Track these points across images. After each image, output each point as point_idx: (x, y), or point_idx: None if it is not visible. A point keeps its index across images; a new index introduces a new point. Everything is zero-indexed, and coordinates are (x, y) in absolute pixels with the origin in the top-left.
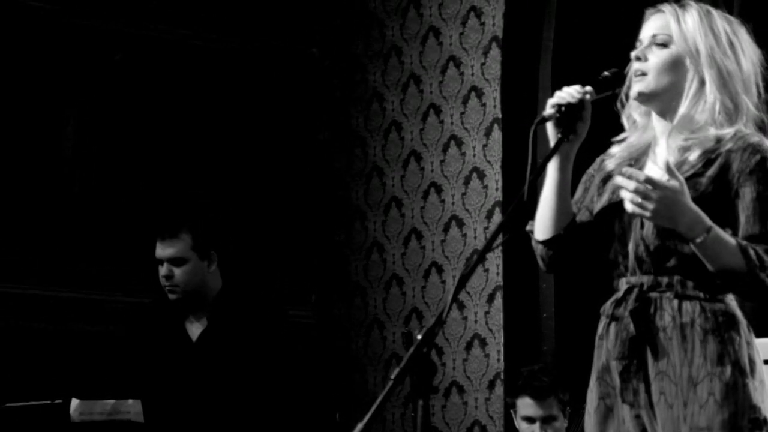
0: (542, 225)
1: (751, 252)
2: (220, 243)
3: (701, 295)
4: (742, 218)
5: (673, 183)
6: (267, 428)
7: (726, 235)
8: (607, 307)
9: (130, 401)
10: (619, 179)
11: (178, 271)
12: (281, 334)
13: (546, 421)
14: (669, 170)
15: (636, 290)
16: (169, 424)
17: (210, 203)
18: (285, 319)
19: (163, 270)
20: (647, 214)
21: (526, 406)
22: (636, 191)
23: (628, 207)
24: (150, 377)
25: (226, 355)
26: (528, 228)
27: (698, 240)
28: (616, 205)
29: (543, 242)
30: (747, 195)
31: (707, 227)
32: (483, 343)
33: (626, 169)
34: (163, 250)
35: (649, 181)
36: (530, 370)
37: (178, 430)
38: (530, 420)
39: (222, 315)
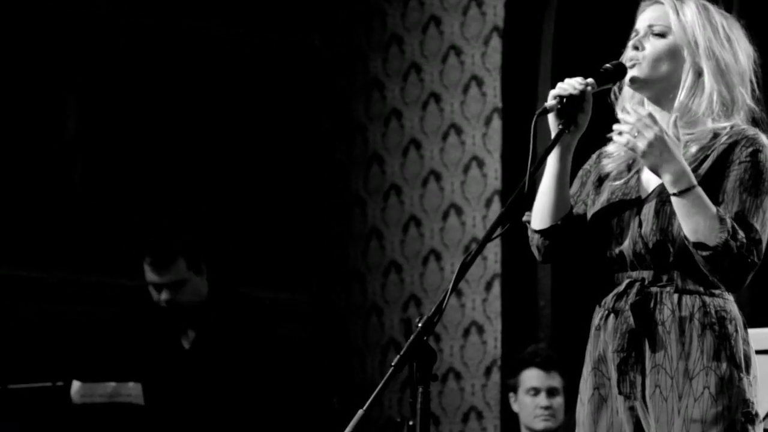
0: (540, 215)
1: (728, 221)
2: (209, 255)
3: (701, 289)
4: (722, 198)
5: (674, 131)
6: (261, 429)
7: (708, 200)
8: (609, 300)
9: (131, 384)
10: (621, 115)
11: (179, 294)
12: (271, 337)
13: (551, 392)
14: (674, 124)
15: (637, 284)
16: (164, 429)
17: (196, 214)
18: (273, 320)
19: (163, 295)
20: (640, 146)
21: (531, 377)
22: (637, 121)
23: (622, 140)
24: (141, 375)
25: (220, 361)
26: (524, 218)
27: (680, 190)
28: (615, 204)
29: (539, 232)
30: (731, 180)
31: (693, 184)
32: (480, 330)
33: (633, 106)
34: (160, 278)
35: (651, 116)
36: (535, 345)
37: None
38: (536, 391)
39: (212, 321)
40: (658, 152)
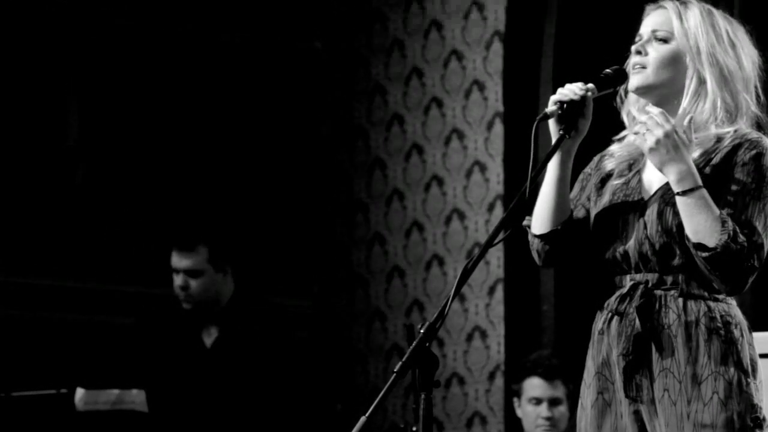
0: (540, 219)
1: (729, 224)
2: (235, 256)
3: (706, 294)
4: (724, 201)
5: (686, 134)
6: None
7: (711, 202)
8: (612, 302)
9: (135, 391)
10: (638, 117)
11: (193, 283)
12: (290, 341)
13: (553, 402)
14: (688, 127)
15: (641, 287)
16: (178, 425)
17: (226, 215)
18: (291, 326)
19: (178, 280)
20: (650, 141)
21: (534, 387)
22: (648, 119)
23: (631, 138)
24: (161, 378)
25: (240, 361)
26: (524, 223)
27: (684, 189)
28: (618, 205)
29: (540, 236)
30: (734, 184)
31: (698, 184)
32: (483, 334)
33: (650, 108)
34: (179, 261)
35: (663, 115)
36: (539, 352)
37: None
38: (538, 401)
39: (234, 322)
40: (664, 150)
